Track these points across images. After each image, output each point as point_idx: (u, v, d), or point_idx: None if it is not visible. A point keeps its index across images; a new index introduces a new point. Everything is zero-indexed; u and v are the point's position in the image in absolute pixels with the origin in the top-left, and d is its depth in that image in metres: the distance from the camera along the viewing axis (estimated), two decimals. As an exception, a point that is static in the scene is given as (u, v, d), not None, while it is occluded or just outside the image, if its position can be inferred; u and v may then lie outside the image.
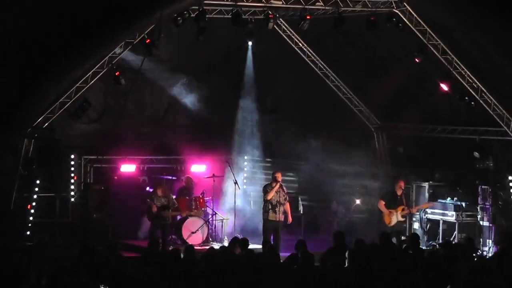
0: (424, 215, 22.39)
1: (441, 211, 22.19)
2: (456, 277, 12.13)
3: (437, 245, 20.73)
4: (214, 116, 24.07)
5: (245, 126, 24.32)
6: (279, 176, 19.67)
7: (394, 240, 17.88)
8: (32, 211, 20.99)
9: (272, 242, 18.42)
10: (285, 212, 19.79)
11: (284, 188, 19.92)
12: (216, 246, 19.69)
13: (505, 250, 15.03)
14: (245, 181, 25.03)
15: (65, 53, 17.55)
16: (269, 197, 19.50)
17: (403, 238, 19.10)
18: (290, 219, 20.03)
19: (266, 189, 19.75)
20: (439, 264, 13.64)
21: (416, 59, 20.69)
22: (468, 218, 21.86)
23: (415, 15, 20.24)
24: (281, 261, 14.44)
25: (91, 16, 16.90)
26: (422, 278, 12.05)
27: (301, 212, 23.82)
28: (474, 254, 16.33)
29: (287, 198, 19.96)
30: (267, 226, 19.60)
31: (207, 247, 18.02)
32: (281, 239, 19.65)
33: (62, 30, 16.36)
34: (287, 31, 23.24)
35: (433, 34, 20.42)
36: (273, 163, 24.32)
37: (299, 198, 24.00)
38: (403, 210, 20.20)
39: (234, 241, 15.67)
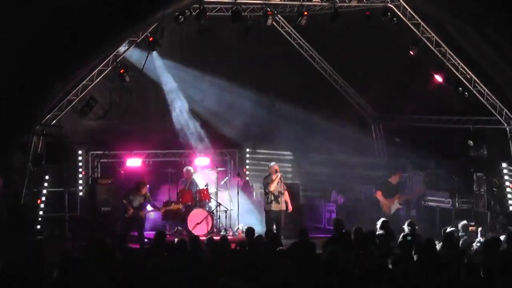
0: (423, 203, 22.91)
1: (437, 199, 22.71)
2: (454, 262, 12.56)
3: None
4: (216, 110, 24.44)
5: (246, 119, 24.60)
6: (277, 167, 20.24)
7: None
8: (42, 205, 21.16)
9: (275, 232, 18.98)
10: (285, 202, 20.27)
11: (282, 178, 20.39)
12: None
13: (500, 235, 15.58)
14: (247, 173, 25.40)
15: (72, 53, 17.73)
16: (271, 189, 19.95)
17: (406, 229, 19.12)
18: (290, 207, 20.40)
19: (267, 181, 20.18)
20: (436, 250, 14.07)
21: (411, 52, 20.89)
22: (464, 205, 22.25)
23: (409, 9, 20.43)
24: (284, 249, 14.93)
25: (96, 16, 17.07)
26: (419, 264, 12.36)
27: (302, 202, 24.09)
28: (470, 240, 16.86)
29: (285, 187, 20.41)
30: (270, 216, 20.06)
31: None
32: (283, 229, 20.25)
33: (68, 31, 16.60)
34: (286, 27, 23.55)
35: (426, 28, 20.62)
36: (273, 155, 24.67)
37: (300, 189, 24.28)
38: (399, 198, 20.62)
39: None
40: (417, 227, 17.27)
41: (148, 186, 20.70)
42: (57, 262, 12.92)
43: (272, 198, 20.02)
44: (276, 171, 20.10)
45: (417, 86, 22.82)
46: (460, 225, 18.21)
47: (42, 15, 15.87)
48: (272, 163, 20.59)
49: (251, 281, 11.66)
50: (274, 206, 20.02)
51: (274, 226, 19.85)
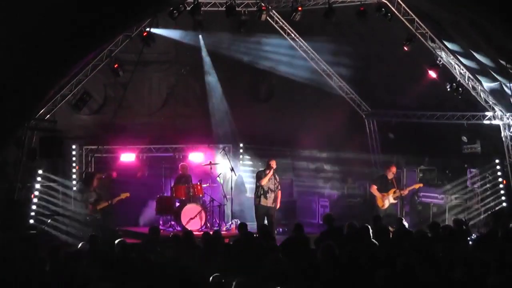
0: (417, 199, 22.98)
1: (431, 194, 22.76)
2: (445, 257, 12.57)
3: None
4: (211, 106, 24.51)
5: (240, 115, 24.61)
6: (273, 164, 20.15)
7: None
8: (35, 200, 21.14)
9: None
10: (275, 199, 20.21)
11: (277, 176, 20.36)
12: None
13: (494, 230, 15.62)
14: (241, 168, 25.35)
15: (66, 48, 17.70)
16: (262, 183, 19.95)
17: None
18: (278, 205, 20.34)
19: (260, 175, 20.20)
20: (427, 246, 14.07)
21: (405, 48, 20.82)
22: (458, 201, 22.34)
23: (403, 4, 20.40)
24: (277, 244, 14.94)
25: (90, 11, 17.06)
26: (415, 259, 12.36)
27: (295, 197, 24.22)
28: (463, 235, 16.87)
29: (279, 186, 20.37)
30: (259, 211, 20.07)
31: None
32: (276, 224, 20.27)
33: (63, 26, 16.57)
34: (280, 22, 23.37)
35: (420, 23, 20.62)
36: (267, 151, 24.65)
37: (293, 184, 24.40)
38: (394, 192, 20.66)
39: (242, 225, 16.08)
40: (406, 223, 17.32)
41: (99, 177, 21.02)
42: (49, 256, 12.88)
43: (261, 192, 20.03)
44: (270, 167, 20.09)
45: (410, 82, 22.82)
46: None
47: (36, 10, 15.83)
48: (270, 159, 20.56)
49: (244, 276, 11.66)
50: (262, 201, 20.02)
51: (266, 222, 19.85)
